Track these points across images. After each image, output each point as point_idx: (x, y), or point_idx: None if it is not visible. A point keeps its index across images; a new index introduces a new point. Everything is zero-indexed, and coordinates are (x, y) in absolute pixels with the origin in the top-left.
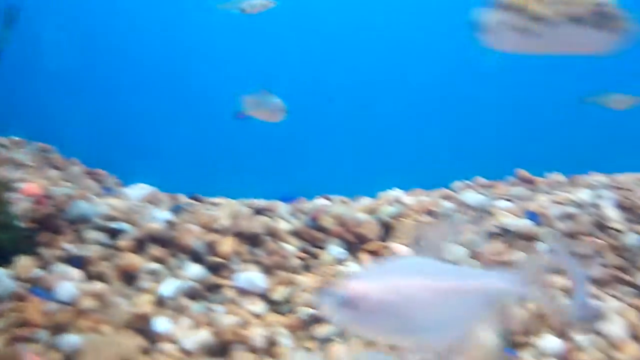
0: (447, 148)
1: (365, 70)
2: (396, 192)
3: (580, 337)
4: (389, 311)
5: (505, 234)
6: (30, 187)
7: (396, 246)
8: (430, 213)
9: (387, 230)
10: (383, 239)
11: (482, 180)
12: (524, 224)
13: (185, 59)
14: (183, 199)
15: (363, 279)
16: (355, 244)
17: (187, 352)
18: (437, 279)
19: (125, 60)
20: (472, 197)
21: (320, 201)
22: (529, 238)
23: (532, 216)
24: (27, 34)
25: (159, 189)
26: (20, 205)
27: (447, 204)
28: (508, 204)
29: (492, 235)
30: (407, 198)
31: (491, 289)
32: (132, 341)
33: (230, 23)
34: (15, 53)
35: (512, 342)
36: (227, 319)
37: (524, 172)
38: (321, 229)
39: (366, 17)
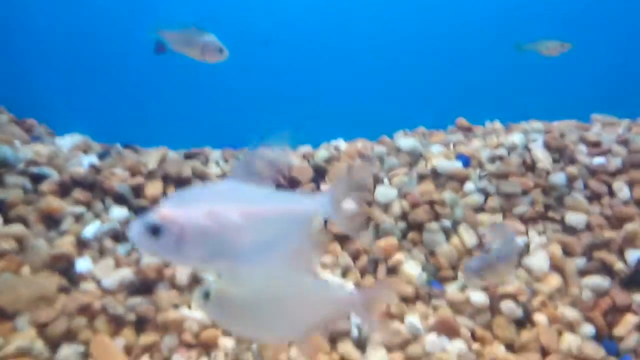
0: (391, 99)
1: (313, 18)
2: (338, 142)
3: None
4: (199, 237)
5: (436, 176)
6: None
7: (325, 188)
8: (362, 156)
9: (319, 173)
10: (315, 181)
11: (422, 129)
12: (454, 166)
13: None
14: (117, 148)
15: (173, 204)
16: (286, 186)
17: (108, 291)
18: (249, 203)
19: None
20: (405, 142)
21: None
22: (459, 179)
23: (463, 158)
24: None
25: (93, 139)
26: None
27: (380, 148)
28: (441, 148)
29: (423, 177)
30: (344, 145)
31: (300, 211)
32: (52, 281)
33: None
34: None
35: (439, 276)
36: (150, 259)
37: (463, 121)
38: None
39: None
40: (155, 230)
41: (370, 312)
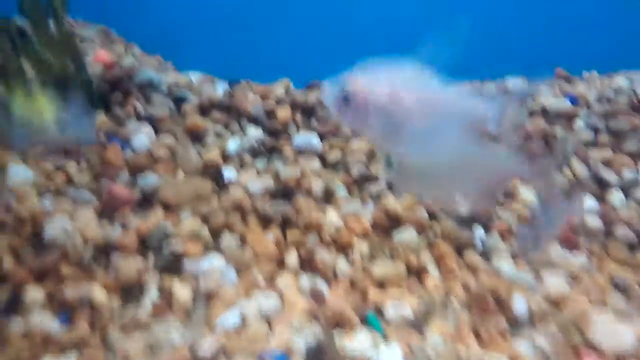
0: (488, 49)
1: None
2: None
3: (615, 198)
4: (379, 112)
5: (545, 114)
6: (100, 53)
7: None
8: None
9: None
10: None
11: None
12: (563, 104)
13: None
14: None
15: (364, 76)
16: None
17: (254, 195)
18: (427, 91)
19: None
20: (514, 81)
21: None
22: (568, 117)
23: (571, 97)
24: None
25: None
26: (91, 68)
27: (490, 87)
28: (548, 88)
29: (533, 114)
30: None
31: (471, 112)
32: (206, 183)
33: None
34: None
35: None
36: (287, 171)
37: (562, 71)
38: None
39: None
40: (345, 98)
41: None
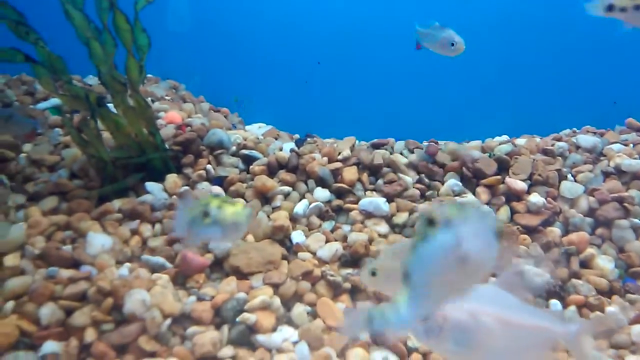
0: (553, 97)
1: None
2: (504, 138)
3: None
4: (457, 329)
5: (620, 174)
6: (172, 114)
7: (513, 181)
8: (544, 152)
9: (502, 166)
10: (499, 174)
11: (591, 128)
12: (639, 165)
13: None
14: (298, 137)
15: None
16: (471, 178)
17: (323, 260)
18: (506, 311)
19: (248, 12)
20: (585, 138)
21: (432, 141)
22: None
23: None
24: None
25: (276, 128)
26: (164, 130)
27: (560, 144)
28: (621, 146)
29: (607, 175)
30: (518, 140)
31: (549, 332)
32: (276, 248)
33: None
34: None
35: (630, 272)
36: (355, 236)
37: (634, 121)
38: (437, 164)
39: None
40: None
41: (582, 345)
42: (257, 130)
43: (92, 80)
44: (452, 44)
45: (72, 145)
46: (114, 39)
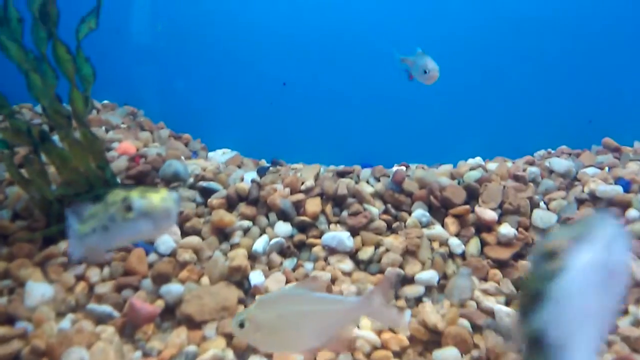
0: (527, 117)
1: (447, 35)
2: (477, 160)
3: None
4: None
5: (595, 201)
6: (126, 145)
7: (482, 211)
8: (516, 178)
9: (471, 194)
10: (468, 203)
11: (566, 148)
12: (614, 190)
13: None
14: (264, 163)
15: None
16: (439, 207)
17: None
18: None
19: (208, 31)
20: (558, 162)
21: (399, 168)
22: (621, 205)
23: (623, 182)
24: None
25: (240, 154)
26: (116, 162)
27: (532, 169)
28: (596, 170)
29: (581, 202)
30: (490, 164)
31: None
32: (232, 292)
33: None
34: (106, 26)
35: None
36: (317, 275)
37: (610, 140)
38: (404, 192)
39: None
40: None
41: (380, 312)
42: (220, 157)
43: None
44: (425, 72)
45: (12, 178)
46: (54, 70)
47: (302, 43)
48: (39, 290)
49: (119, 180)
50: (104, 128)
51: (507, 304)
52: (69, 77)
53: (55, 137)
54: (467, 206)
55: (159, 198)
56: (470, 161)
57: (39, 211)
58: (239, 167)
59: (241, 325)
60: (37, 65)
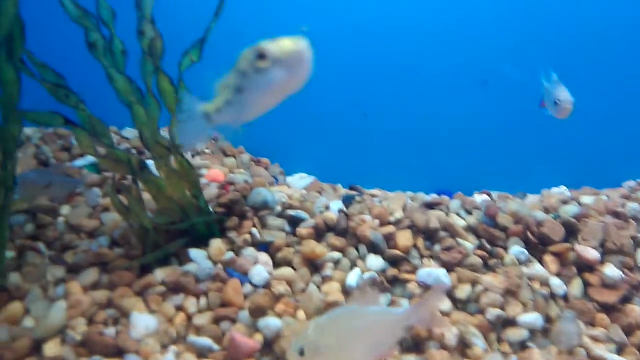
0: (614, 144)
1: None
2: (563, 190)
3: None
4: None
5: None
6: (215, 172)
7: (584, 249)
8: (615, 214)
9: (569, 230)
10: (567, 241)
11: None
12: None
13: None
14: (341, 188)
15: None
16: (537, 244)
17: None
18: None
19: None
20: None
21: (480, 197)
22: None
23: None
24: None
25: (318, 179)
26: (207, 190)
27: (632, 205)
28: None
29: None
30: (584, 198)
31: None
32: None
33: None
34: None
35: None
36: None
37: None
38: (498, 227)
39: None
40: None
41: (429, 320)
42: (298, 182)
43: (129, 132)
44: (556, 103)
45: (111, 208)
46: (157, 102)
47: (380, 66)
48: (143, 322)
49: (211, 208)
50: (190, 154)
51: (619, 352)
52: (170, 109)
53: (150, 162)
54: (568, 244)
55: (291, 42)
56: (555, 190)
57: (136, 239)
58: (319, 193)
59: (301, 353)
60: (141, 97)
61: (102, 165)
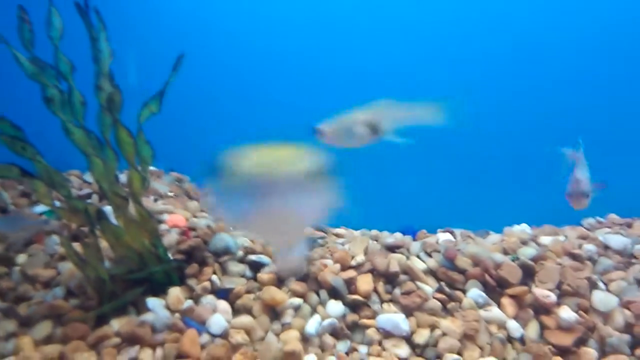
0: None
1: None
2: (523, 228)
3: None
4: None
5: None
6: (175, 218)
7: (540, 292)
8: (572, 256)
9: (527, 273)
10: (524, 283)
11: (616, 218)
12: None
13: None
14: (306, 229)
15: None
16: (494, 287)
17: None
18: None
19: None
20: (614, 239)
21: (444, 235)
22: None
23: None
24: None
25: None
26: (167, 236)
27: (588, 246)
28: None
29: None
30: (543, 238)
31: None
32: None
33: None
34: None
35: None
36: None
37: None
38: (458, 270)
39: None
40: None
41: None
42: None
43: (91, 176)
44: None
45: (68, 257)
46: (115, 153)
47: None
48: None
49: (170, 255)
50: (152, 197)
51: None
52: (128, 159)
53: (107, 208)
54: (525, 287)
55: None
56: (517, 229)
57: (92, 289)
58: None
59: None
60: (99, 149)
61: (60, 215)
